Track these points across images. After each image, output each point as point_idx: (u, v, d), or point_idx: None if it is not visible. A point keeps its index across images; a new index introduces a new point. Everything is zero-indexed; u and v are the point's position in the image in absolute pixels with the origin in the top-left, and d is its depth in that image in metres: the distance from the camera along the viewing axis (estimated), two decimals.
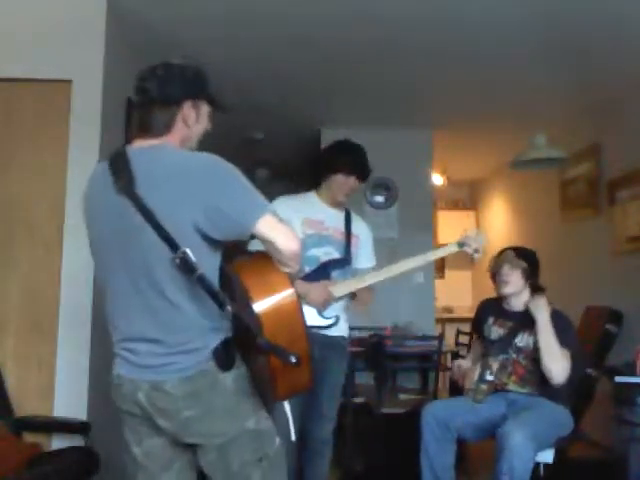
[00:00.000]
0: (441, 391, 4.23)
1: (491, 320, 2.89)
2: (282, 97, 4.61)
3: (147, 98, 1.52)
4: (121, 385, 1.52)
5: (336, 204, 2.56)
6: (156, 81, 1.52)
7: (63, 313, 2.84)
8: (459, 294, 7.60)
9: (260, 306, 1.43)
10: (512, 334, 2.75)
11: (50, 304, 2.85)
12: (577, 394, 3.20)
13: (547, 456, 2.52)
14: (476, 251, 2.44)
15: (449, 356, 4.68)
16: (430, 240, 5.52)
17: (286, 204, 2.42)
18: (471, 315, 3.21)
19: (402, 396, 4.03)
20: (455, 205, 7.76)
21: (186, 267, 1.36)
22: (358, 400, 3.90)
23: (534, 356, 2.65)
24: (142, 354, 1.48)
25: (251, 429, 1.50)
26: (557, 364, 2.56)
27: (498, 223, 7.03)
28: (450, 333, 5.18)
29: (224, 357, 1.46)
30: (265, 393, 1.55)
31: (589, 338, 4.14)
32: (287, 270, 1.48)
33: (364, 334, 4.56)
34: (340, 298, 2.44)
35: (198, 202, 1.39)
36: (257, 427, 1.51)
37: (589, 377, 3.73)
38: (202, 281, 1.37)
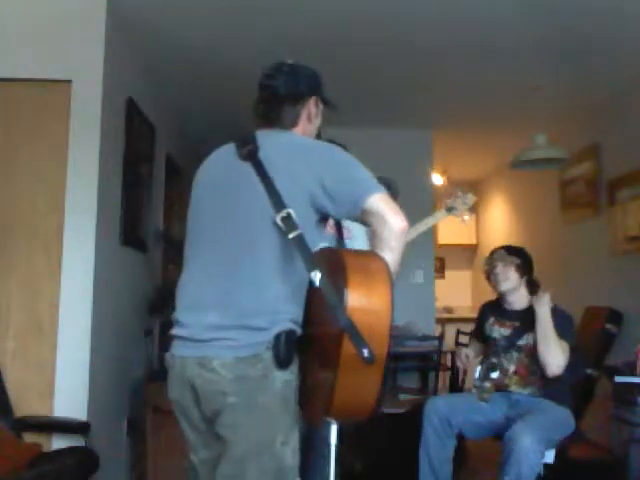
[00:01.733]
0: (441, 391, 4.23)
1: (491, 320, 2.92)
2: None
3: (274, 94, 1.62)
4: (172, 367, 1.49)
5: None
6: (284, 78, 1.64)
7: (63, 313, 2.84)
8: (459, 294, 7.61)
9: (352, 295, 1.29)
10: (518, 334, 2.76)
11: (50, 304, 2.85)
12: (577, 394, 3.20)
13: (548, 456, 2.52)
14: (465, 213, 2.42)
15: (449, 356, 4.68)
16: (430, 240, 5.52)
17: None
18: (471, 315, 3.23)
19: (402, 396, 4.03)
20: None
21: (287, 224, 1.37)
22: None
23: (536, 354, 2.66)
24: (197, 326, 1.43)
25: (277, 449, 1.39)
26: (553, 354, 2.57)
27: (498, 223, 7.03)
28: (450, 333, 5.18)
29: (284, 350, 1.37)
30: (311, 411, 1.43)
31: (589, 338, 4.14)
32: (388, 255, 1.40)
33: None
34: None
35: (317, 174, 1.44)
36: (282, 452, 1.40)
37: (589, 377, 3.72)
38: (300, 240, 1.36)
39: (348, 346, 1.24)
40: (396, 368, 4.56)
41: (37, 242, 2.89)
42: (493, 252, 2.93)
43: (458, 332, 5.15)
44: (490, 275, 2.90)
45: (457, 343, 4.98)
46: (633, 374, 3.00)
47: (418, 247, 5.37)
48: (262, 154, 1.49)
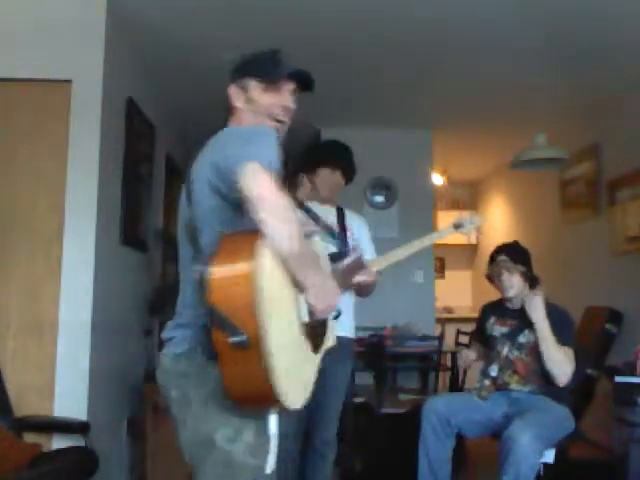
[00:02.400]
0: (441, 391, 4.23)
1: (492, 319, 2.93)
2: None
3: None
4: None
5: (323, 200, 2.56)
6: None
7: (63, 313, 2.84)
8: (459, 294, 7.60)
9: (213, 271, 1.20)
10: (516, 332, 2.77)
11: (50, 304, 2.85)
12: (577, 394, 3.20)
13: (548, 456, 2.52)
14: (472, 233, 2.43)
15: (449, 356, 4.68)
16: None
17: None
18: (471, 315, 3.23)
19: (402, 396, 4.04)
20: (455, 205, 7.76)
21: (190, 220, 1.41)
22: (358, 400, 3.90)
23: (536, 352, 2.67)
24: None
25: (221, 445, 1.33)
26: (558, 365, 2.58)
27: (498, 223, 7.03)
28: (450, 333, 5.18)
29: (209, 344, 1.28)
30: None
31: (589, 338, 4.14)
32: (264, 228, 1.21)
33: (364, 334, 4.57)
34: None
35: (212, 159, 1.40)
36: (230, 447, 1.33)
37: (589, 377, 3.73)
38: (194, 235, 1.39)
39: (217, 334, 1.17)
40: (396, 368, 4.57)
41: (37, 242, 2.89)
42: (496, 255, 2.90)
43: (458, 332, 5.16)
44: (493, 279, 2.89)
45: (457, 343, 4.98)
46: (633, 374, 3.00)
47: None
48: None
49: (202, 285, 1.21)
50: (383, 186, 5.43)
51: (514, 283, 2.79)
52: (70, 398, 2.79)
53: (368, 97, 4.64)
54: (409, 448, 2.68)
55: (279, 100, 1.58)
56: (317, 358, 1.48)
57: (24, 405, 2.72)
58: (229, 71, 1.64)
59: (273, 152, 1.36)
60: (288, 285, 1.29)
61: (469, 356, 2.98)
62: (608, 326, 4.15)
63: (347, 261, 1.91)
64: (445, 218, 7.41)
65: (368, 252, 2.59)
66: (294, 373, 1.29)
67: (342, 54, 3.81)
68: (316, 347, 1.46)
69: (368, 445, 3.70)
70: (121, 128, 3.32)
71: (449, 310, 7.38)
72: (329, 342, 1.60)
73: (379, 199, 5.44)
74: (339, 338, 2.44)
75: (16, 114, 2.96)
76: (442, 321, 6.14)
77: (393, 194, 5.41)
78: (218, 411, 1.34)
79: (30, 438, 2.64)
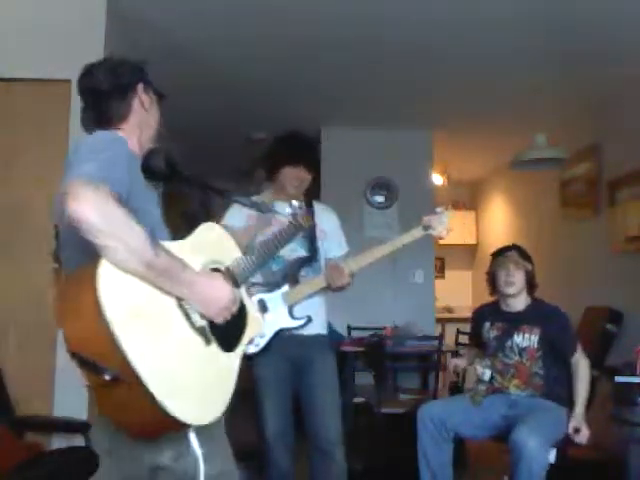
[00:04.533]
0: (441, 391, 4.23)
1: (487, 324, 2.90)
2: (283, 97, 4.61)
3: (98, 92, 1.48)
4: None
5: (291, 199, 2.52)
6: (103, 73, 1.51)
7: None
8: (459, 294, 7.60)
9: (66, 325, 1.16)
10: (507, 335, 2.76)
11: (50, 304, 2.85)
12: None
13: (549, 456, 2.52)
14: (441, 232, 2.41)
15: (449, 356, 4.67)
16: (430, 240, 5.51)
17: (241, 210, 2.34)
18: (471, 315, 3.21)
19: (402, 396, 4.03)
20: (455, 205, 7.75)
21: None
22: (358, 400, 3.90)
23: (538, 355, 2.66)
24: None
25: (171, 466, 1.31)
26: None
27: (498, 223, 7.03)
28: (450, 333, 5.17)
29: None
30: None
31: (589, 338, 4.13)
32: (105, 254, 1.12)
33: (364, 334, 4.57)
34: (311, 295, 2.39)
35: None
36: (179, 466, 1.31)
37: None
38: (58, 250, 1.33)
39: (88, 375, 1.14)
40: (396, 368, 4.56)
41: (37, 242, 2.89)
42: (505, 250, 2.89)
43: (458, 332, 5.14)
44: (494, 275, 2.86)
45: (457, 343, 4.97)
46: (633, 374, 2.99)
47: (418, 247, 5.37)
48: None
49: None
50: (383, 186, 5.43)
51: (517, 280, 2.77)
52: (70, 398, 2.79)
53: (368, 97, 4.64)
54: (409, 448, 2.68)
55: (158, 115, 1.61)
56: (234, 355, 1.38)
57: (24, 405, 2.72)
58: (127, 72, 1.56)
59: (106, 153, 1.26)
60: (156, 297, 1.20)
61: (458, 365, 2.95)
62: (608, 326, 4.15)
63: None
64: (437, 241, 7.40)
65: (337, 247, 2.56)
66: (188, 386, 1.21)
67: (342, 54, 3.81)
68: (231, 343, 1.37)
69: (368, 445, 3.70)
70: None
71: (449, 310, 7.38)
72: (254, 330, 1.50)
73: (379, 199, 5.44)
74: (314, 337, 2.45)
75: (16, 114, 2.96)
76: (442, 321, 6.14)
77: (393, 194, 5.41)
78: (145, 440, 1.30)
79: (30, 438, 2.64)
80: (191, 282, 1.23)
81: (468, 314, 3.29)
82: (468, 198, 7.80)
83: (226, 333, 1.34)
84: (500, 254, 2.89)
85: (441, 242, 7.28)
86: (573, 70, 3.98)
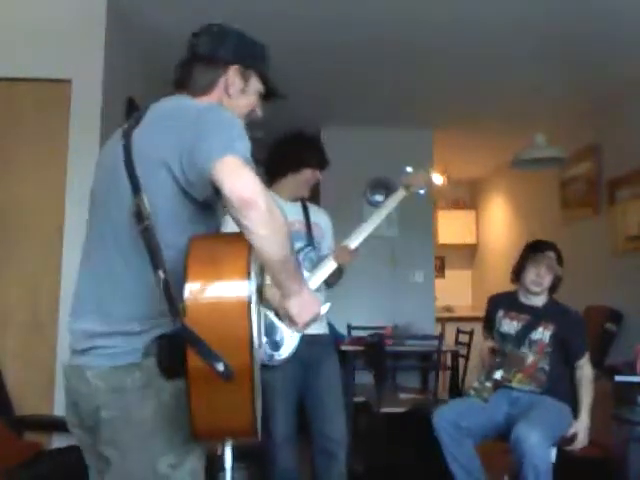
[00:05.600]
0: (441, 391, 4.23)
1: (501, 313, 2.86)
2: (282, 97, 4.61)
3: (192, 53, 1.38)
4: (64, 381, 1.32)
5: (295, 198, 2.53)
6: (208, 37, 1.42)
7: (63, 313, 2.84)
8: (459, 294, 7.60)
9: (192, 289, 1.05)
10: (529, 328, 2.74)
11: (50, 304, 2.85)
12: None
13: (550, 455, 2.52)
14: (421, 187, 2.43)
15: (449, 356, 4.68)
16: (430, 240, 5.52)
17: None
18: (471, 314, 3.21)
19: (402, 395, 4.03)
20: (455, 205, 7.76)
21: (139, 215, 1.15)
22: (358, 399, 3.90)
23: (546, 350, 2.68)
24: (78, 334, 1.28)
25: (163, 473, 1.17)
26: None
27: (498, 223, 7.03)
28: (450, 333, 5.18)
29: (167, 356, 1.09)
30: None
31: (589, 337, 4.12)
32: (251, 238, 1.08)
33: (364, 333, 4.57)
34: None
35: (174, 142, 1.18)
36: (172, 476, 1.18)
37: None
38: (146, 232, 1.14)
39: (193, 359, 1.03)
40: (396, 368, 4.57)
41: (37, 241, 2.90)
42: (544, 247, 2.82)
43: (458, 331, 5.15)
44: (524, 268, 2.80)
45: (457, 342, 4.98)
46: (633, 373, 3.00)
47: (418, 246, 5.39)
48: (137, 130, 1.26)
49: (167, 293, 1.08)
50: (383, 186, 5.42)
51: (545, 282, 2.76)
52: None
53: (368, 97, 4.64)
54: (409, 447, 2.69)
55: (255, 106, 1.46)
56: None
57: (25, 404, 2.72)
58: (234, 45, 1.42)
59: (249, 147, 1.19)
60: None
61: (487, 347, 2.85)
62: (608, 326, 4.15)
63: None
64: (445, 218, 7.42)
65: (326, 247, 2.58)
66: (260, 402, 1.18)
67: (342, 55, 3.81)
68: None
69: (368, 444, 3.70)
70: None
71: (449, 310, 7.38)
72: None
73: (379, 199, 5.44)
74: (319, 336, 2.45)
75: (16, 114, 2.96)
76: (442, 321, 6.15)
77: (393, 194, 5.41)
78: (163, 433, 1.18)
79: (30, 437, 2.64)
80: (302, 284, 1.25)
81: (468, 314, 3.29)
82: (468, 198, 7.81)
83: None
84: (539, 250, 2.81)
85: (441, 242, 7.31)
86: (573, 70, 3.98)
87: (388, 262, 5.02)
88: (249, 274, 1.07)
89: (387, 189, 5.44)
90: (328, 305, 2.43)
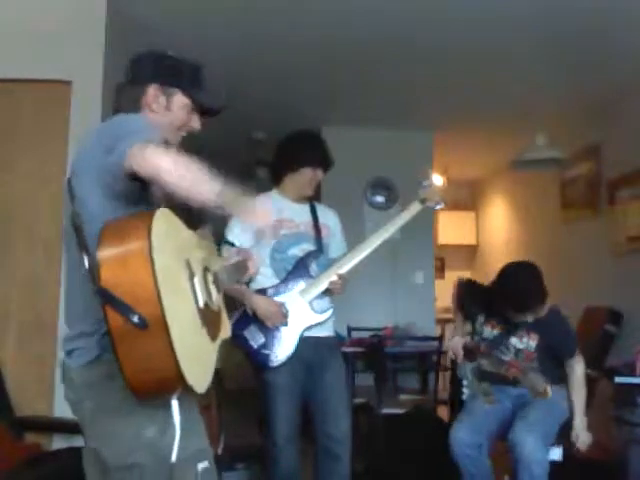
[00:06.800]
0: (441, 391, 4.23)
1: (482, 318, 2.78)
2: (283, 97, 4.61)
3: (123, 78, 1.53)
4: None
5: (302, 198, 2.52)
6: (130, 62, 1.57)
7: (63, 313, 2.84)
8: None
9: (102, 255, 1.14)
10: (507, 333, 2.69)
11: (50, 304, 2.85)
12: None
13: (555, 454, 2.52)
14: (438, 203, 2.42)
15: (449, 356, 4.67)
16: (430, 241, 5.52)
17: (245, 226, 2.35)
18: None
19: (402, 396, 4.04)
20: (455, 205, 7.75)
21: (72, 218, 1.32)
22: (358, 400, 3.90)
23: (534, 357, 2.65)
24: (63, 339, 1.44)
25: (148, 443, 1.28)
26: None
27: (498, 223, 7.03)
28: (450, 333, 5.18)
29: None
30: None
31: (589, 338, 4.13)
32: (180, 192, 1.19)
33: (364, 334, 4.57)
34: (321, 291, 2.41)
35: (98, 149, 1.31)
36: (158, 442, 1.28)
37: (588, 377, 3.72)
38: (77, 230, 1.29)
39: (112, 317, 1.11)
40: (396, 369, 4.56)
41: (37, 241, 2.89)
42: (538, 307, 2.64)
43: None
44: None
45: None
46: (633, 374, 2.99)
47: (418, 247, 5.39)
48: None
49: (92, 274, 1.17)
50: (383, 186, 5.43)
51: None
52: None
53: (368, 97, 4.64)
54: (409, 448, 2.68)
55: (194, 122, 1.54)
56: (215, 347, 1.41)
57: (24, 405, 2.72)
58: (152, 66, 1.54)
59: (152, 133, 1.29)
60: (183, 265, 1.26)
61: (457, 348, 2.71)
62: (608, 326, 4.15)
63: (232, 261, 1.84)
64: (445, 218, 7.42)
65: (340, 248, 2.57)
66: (195, 354, 1.24)
67: (342, 54, 3.81)
68: (213, 336, 1.40)
69: (368, 445, 3.69)
70: None
71: (449, 310, 7.36)
72: (224, 333, 1.52)
73: (379, 199, 5.44)
74: (324, 338, 2.46)
75: (16, 114, 2.96)
76: (442, 321, 6.14)
77: (393, 194, 5.41)
78: (139, 414, 1.28)
79: (30, 438, 2.64)
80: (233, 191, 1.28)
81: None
82: (468, 198, 7.80)
83: (210, 325, 1.38)
84: (527, 307, 2.59)
85: (441, 242, 7.31)
86: (573, 70, 3.98)
87: (388, 262, 5.02)
88: (149, 232, 1.14)
89: (387, 189, 5.45)
90: (330, 311, 2.46)
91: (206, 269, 1.43)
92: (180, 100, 1.50)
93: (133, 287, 1.12)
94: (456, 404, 3.99)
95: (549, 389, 2.45)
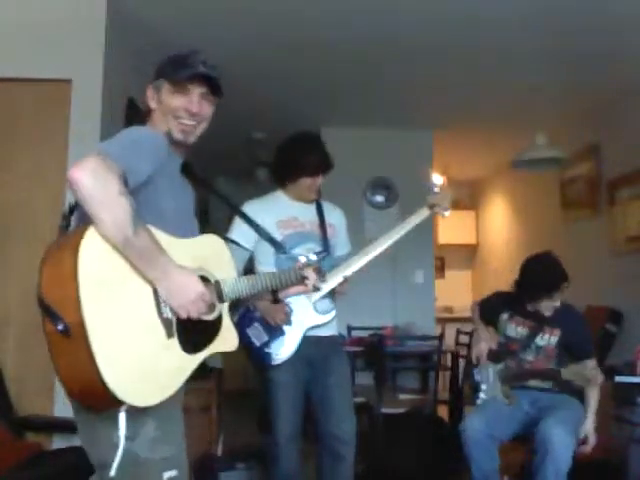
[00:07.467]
0: (441, 391, 4.23)
1: (506, 316, 2.81)
2: (283, 97, 4.61)
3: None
4: None
5: (307, 201, 2.51)
6: None
7: None
8: (459, 294, 7.60)
9: (43, 268, 1.22)
10: (534, 333, 2.71)
11: None
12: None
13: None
14: (445, 210, 2.41)
15: (449, 356, 4.68)
16: (430, 240, 5.52)
17: (254, 208, 2.38)
18: (471, 315, 3.18)
19: (402, 396, 4.03)
20: (455, 205, 7.74)
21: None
22: (358, 400, 3.90)
23: (554, 354, 2.67)
24: None
25: (124, 447, 1.30)
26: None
27: (498, 223, 7.03)
28: (450, 333, 5.17)
29: None
30: None
31: None
32: (95, 223, 1.21)
33: (364, 334, 4.57)
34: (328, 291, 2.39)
35: None
36: (132, 447, 1.30)
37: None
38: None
39: (46, 323, 1.18)
40: (396, 368, 4.56)
41: (37, 242, 2.87)
42: (558, 285, 2.64)
43: (458, 332, 5.15)
44: (544, 299, 2.68)
45: (457, 343, 4.97)
46: (633, 374, 3.00)
47: (418, 247, 5.38)
48: None
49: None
50: (383, 186, 5.43)
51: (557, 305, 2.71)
52: None
53: (368, 97, 4.64)
54: (409, 448, 2.68)
55: (184, 103, 1.53)
56: (192, 358, 1.38)
57: (25, 405, 2.72)
58: (153, 75, 1.61)
59: (130, 143, 1.37)
60: (134, 277, 1.26)
61: (483, 351, 2.75)
62: (608, 326, 4.16)
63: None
64: (445, 218, 7.40)
65: (344, 247, 2.57)
66: (134, 365, 1.23)
67: (342, 54, 3.81)
68: (195, 347, 1.38)
69: (368, 445, 3.69)
70: (121, 128, 3.30)
71: (449, 310, 7.38)
72: (223, 346, 1.49)
73: (379, 199, 5.44)
74: (327, 337, 2.45)
75: (16, 114, 2.96)
76: (442, 321, 6.15)
77: (393, 194, 5.41)
78: (108, 418, 1.30)
79: (30, 438, 2.64)
80: (165, 269, 1.28)
81: (468, 314, 3.27)
82: (468, 198, 7.80)
83: (193, 336, 1.37)
84: (556, 288, 2.64)
85: (441, 242, 7.31)
86: (573, 70, 3.98)
87: (388, 262, 5.01)
88: (77, 246, 1.18)
89: (387, 189, 5.45)
90: (333, 313, 2.45)
91: (202, 278, 1.40)
92: (166, 88, 1.55)
93: (61, 297, 1.17)
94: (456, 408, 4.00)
95: (597, 373, 2.50)
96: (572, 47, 3.61)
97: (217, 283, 1.47)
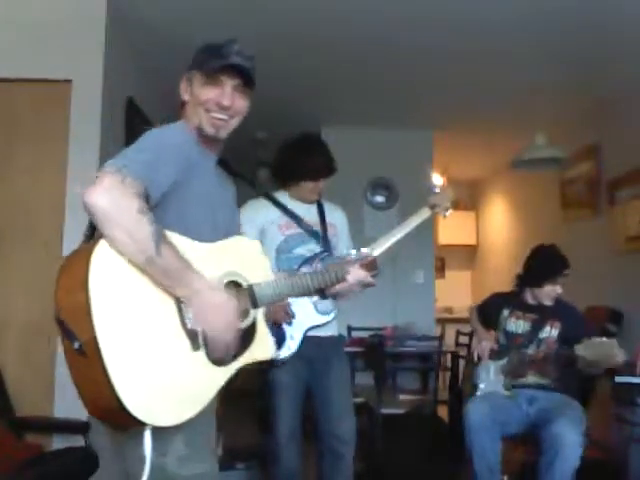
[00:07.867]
0: (441, 391, 4.23)
1: (506, 312, 2.87)
2: (283, 97, 4.61)
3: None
4: None
5: (310, 202, 2.51)
6: None
7: None
8: (459, 294, 7.60)
9: (58, 288, 1.22)
10: (537, 328, 2.75)
11: (50, 304, 2.83)
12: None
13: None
14: (446, 209, 2.41)
15: (449, 356, 4.68)
16: (430, 240, 5.52)
17: (256, 209, 2.38)
18: None
19: (402, 396, 4.03)
20: (455, 206, 7.73)
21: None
22: (358, 400, 3.90)
23: (555, 347, 2.69)
24: None
25: (153, 463, 1.22)
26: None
27: (498, 223, 7.03)
28: (450, 333, 5.17)
29: None
30: None
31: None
32: (112, 244, 1.16)
33: (364, 334, 4.57)
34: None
35: None
36: (161, 464, 1.23)
37: (589, 377, 3.72)
38: None
39: (64, 341, 1.16)
40: (396, 369, 4.56)
41: (37, 242, 2.89)
42: (560, 269, 2.76)
43: (458, 332, 5.15)
44: (546, 284, 2.76)
45: (457, 343, 4.97)
46: (633, 374, 2.99)
47: (418, 247, 5.38)
48: None
49: None
50: (383, 186, 5.43)
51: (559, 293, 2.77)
52: (70, 398, 2.78)
53: (368, 97, 4.64)
54: (409, 448, 2.68)
55: (215, 95, 1.43)
56: (222, 370, 1.29)
57: (25, 405, 2.72)
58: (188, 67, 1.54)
59: (150, 153, 1.27)
60: (153, 288, 1.19)
61: (485, 349, 2.79)
62: (608, 326, 4.15)
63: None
64: (445, 219, 7.41)
65: (346, 247, 2.53)
66: (156, 383, 1.15)
67: (342, 54, 3.81)
68: (224, 358, 1.29)
69: (368, 445, 3.69)
70: (121, 128, 3.32)
71: (449, 310, 7.38)
72: (257, 354, 1.40)
73: (379, 199, 5.44)
74: (328, 338, 2.45)
75: (16, 114, 2.96)
76: (442, 321, 6.14)
77: (393, 194, 5.41)
78: (137, 433, 1.23)
79: (30, 438, 2.64)
80: (195, 287, 1.21)
81: (468, 314, 3.28)
82: (468, 198, 7.80)
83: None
84: (559, 273, 2.75)
85: (441, 242, 7.30)
86: (573, 70, 3.98)
87: (388, 262, 5.01)
88: (90, 253, 1.14)
89: (387, 189, 5.45)
90: (334, 313, 2.45)
91: (234, 284, 1.35)
92: (197, 79, 1.46)
93: (75, 314, 1.15)
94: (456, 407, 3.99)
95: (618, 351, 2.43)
96: (572, 47, 3.61)
97: (250, 287, 1.40)
